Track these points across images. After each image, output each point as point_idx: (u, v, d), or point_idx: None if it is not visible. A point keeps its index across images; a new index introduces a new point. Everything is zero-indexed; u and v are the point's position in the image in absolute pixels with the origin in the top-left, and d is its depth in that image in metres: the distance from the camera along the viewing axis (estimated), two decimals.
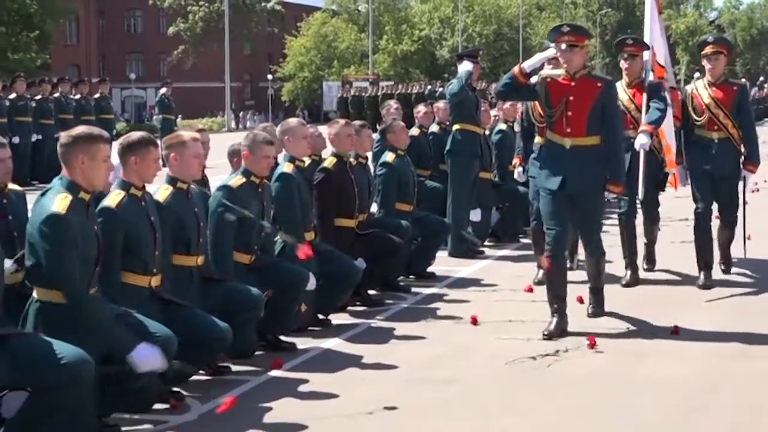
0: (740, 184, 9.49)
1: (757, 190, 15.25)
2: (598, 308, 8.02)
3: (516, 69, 7.74)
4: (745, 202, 9.60)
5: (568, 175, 7.62)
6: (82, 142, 5.40)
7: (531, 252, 10.33)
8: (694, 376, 6.63)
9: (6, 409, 5.03)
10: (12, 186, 6.12)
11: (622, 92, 9.19)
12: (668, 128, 9.35)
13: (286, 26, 74.82)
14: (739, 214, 9.56)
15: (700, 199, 9.39)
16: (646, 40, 9.36)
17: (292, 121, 8.30)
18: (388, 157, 9.87)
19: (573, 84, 7.65)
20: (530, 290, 8.95)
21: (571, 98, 7.62)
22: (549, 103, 7.72)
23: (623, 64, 9.40)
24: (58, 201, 5.27)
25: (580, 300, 8.21)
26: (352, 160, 8.80)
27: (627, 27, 77.70)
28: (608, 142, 7.72)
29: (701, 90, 9.34)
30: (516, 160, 10.43)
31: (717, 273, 9.51)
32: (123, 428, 5.61)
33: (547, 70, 7.96)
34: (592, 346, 7.25)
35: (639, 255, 9.63)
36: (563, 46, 7.61)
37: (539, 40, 77.69)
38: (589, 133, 7.67)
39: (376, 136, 10.71)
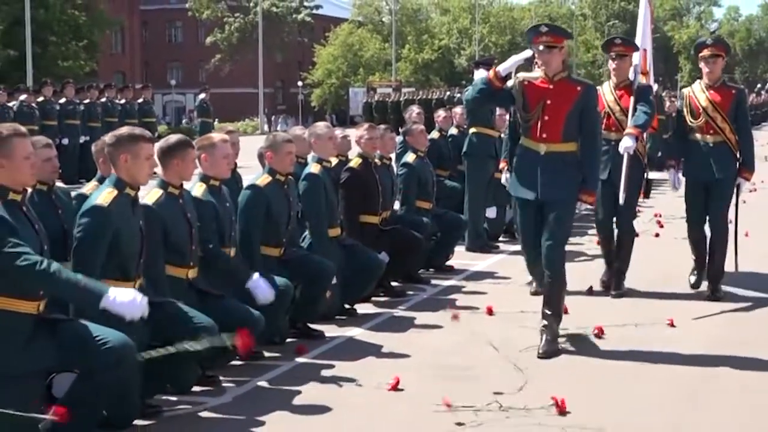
0: (734, 191, 8.68)
1: (755, 190, 15.19)
2: (550, 346, 6.77)
3: (491, 73, 7.00)
4: (737, 209, 8.83)
5: (540, 182, 6.82)
6: (125, 142, 5.43)
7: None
8: (694, 363, 6.61)
9: (56, 389, 5.06)
10: (58, 183, 6.16)
11: (609, 93, 8.55)
12: None
13: (316, 36, 74.84)
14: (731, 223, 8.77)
15: (691, 212, 8.77)
16: (638, 41, 8.78)
17: (320, 124, 8.38)
18: (409, 158, 9.88)
19: (551, 87, 6.83)
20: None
21: (549, 102, 6.80)
22: (526, 107, 6.88)
23: (611, 64, 8.59)
24: (104, 194, 5.32)
25: (589, 291, 8.18)
26: (376, 160, 8.81)
27: (631, 36, 77.25)
28: (584, 149, 6.87)
29: (698, 93, 8.60)
30: (503, 164, 9.32)
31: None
32: (164, 408, 5.64)
33: (524, 73, 7.08)
34: (599, 335, 7.25)
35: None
36: (541, 47, 6.81)
37: None
38: (566, 139, 6.84)
39: (399, 138, 10.71)
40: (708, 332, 7.45)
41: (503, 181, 9.26)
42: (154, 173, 5.64)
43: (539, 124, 6.82)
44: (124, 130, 5.60)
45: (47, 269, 4.58)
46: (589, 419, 5.44)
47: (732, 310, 8.11)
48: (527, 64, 7.28)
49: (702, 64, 8.65)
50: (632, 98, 8.29)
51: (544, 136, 6.82)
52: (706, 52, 8.53)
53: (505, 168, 9.05)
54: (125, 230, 5.33)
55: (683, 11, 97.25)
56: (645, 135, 8.55)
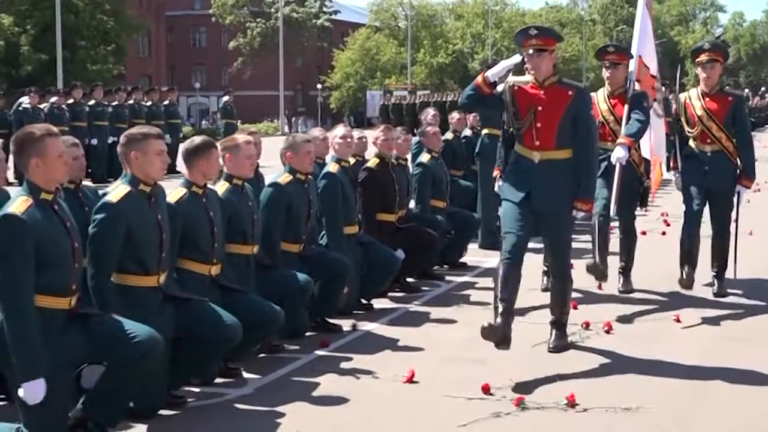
0: (734, 199, 8.32)
1: (759, 190, 15.10)
2: (559, 341, 6.70)
3: (479, 78, 6.49)
4: (737, 218, 8.47)
5: (534, 191, 6.35)
6: (134, 140, 5.42)
7: None
8: (699, 357, 6.59)
9: (86, 381, 5.07)
10: (86, 182, 6.17)
11: (603, 101, 8.12)
12: (659, 140, 8.55)
13: (334, 41, 74.88)
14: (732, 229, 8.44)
15: (689, 207, 8.27)
16: (634, 49, 8.26)
17: (338, 127, 8.40)
18: (424, 158, 9.87)
19: (542, 92, 6.35)
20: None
21: (540, 108, 6.32)
22: (517, 114, 6.38)
23: (605, 73, 8.14)
24: (116, 192, 5.32)
25: (599, 286, 8.15)
26: (393, 161, 8.81)
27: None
28: (579, 155, 6.38)
29: (694, 100, 8.11)
30: (496, 172, 8.50)
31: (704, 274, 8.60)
32: (188, 399, 5.65)
33: (514, 77, 6.56)
34: (608, 330, 7.23)
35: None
36: (530, 50, 6.31)
37: (561, 54, 77.43)
38: (559, 146, 6.36)
39: (414, 139, 10.71)
40: (713, 328, 7.41)
41: (496, 188, 8.77)
42: (178, 172, 5.65)
43: (532, 131, 6.36)
44: (133, 129, 5.61)
45: (20, 306, 4.54)
46: (599, 412, 5.44)
47: (737, 305, 8.07)
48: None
49: (699, 70, 8.10)
50: (626, 107, 7.86)
51: (538, 143, 6.37)
52: (703, 58, 8.02)
53: (498, 176, 8.20)
54: (140, 225, 5.30)
55: (689, 17, 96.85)
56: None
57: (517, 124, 6.41)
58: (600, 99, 8.12)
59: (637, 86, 8.14)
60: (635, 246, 8.63)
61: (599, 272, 7.95)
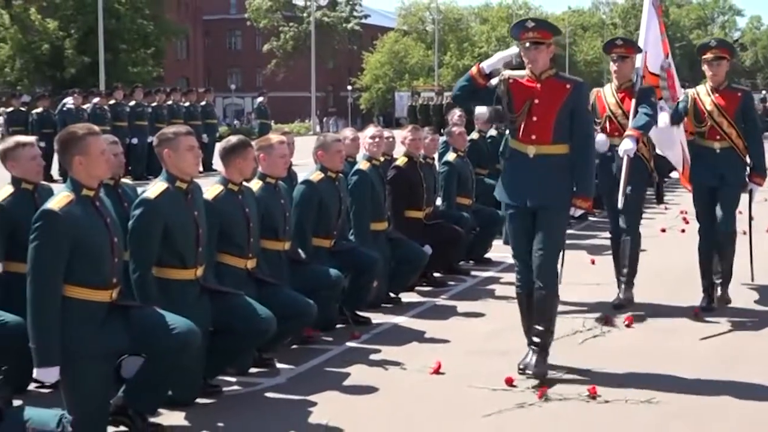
0: (746, 197, 7.82)
1: None
2: (539, 367, 5.82)
3: (474, 69, 6.11)
4: (751, 218, 8.05)
5: (530, 187, 5.90)
6: (165, 139, 5.44)
7: (575, 241, 10.23)
8: (715, 349, 6.54)
9: (126, 370, 5.10)
10: (124, 180, 6.20)
11: (610, 95, 7.67)
12: (680, 140, 7.90)
13: (364, 44, 74.86)
14: (743, 229, 8.00)
15: (702, 218, 7.79)
16: (641, 44, 7.82)
17: (369, 127, 8.44)
18: (450, 157, 9.85)
19: (538, 86, 5.92)
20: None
21: (536, 101, 5.89)
22: (511, 108, 5.96)
23: (612, 66, 7.67)
24: (154, 188, 5.34)
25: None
26: (420, 159, 8.79)
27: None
28: (577, 150, 5.93)
29: (703, 96, 7.63)
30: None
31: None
32: (224, 389, 5.67)
33: (510, 71, 6.13)
34: (629, 325, 7.18)
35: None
36: (527, 43, 5.91)
37: (584, 57, 77.09)
38: (556, 141, 5.89)
39: (441, 139, 10.70)
40: (732, 321, 7.33)
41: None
42: (214, 170, 5.66)
43: (528, 125, 5.91)
44: (165, 129, 5.62)
45: (44, 295, 4.58)
46: (619, 404, 5.41)
47: (757, 301, 7.99)
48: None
49: (705, 67, 7.63)
50: (633, 101, 7.44)
51: (533, 137, 5.91)
52: (709, 55, 7.58)
53: None
54: (176, 221, 5.32)
55: (708, 20, 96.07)
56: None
57: (511, 117, 5.97)
58: (607, 93, 7.72)
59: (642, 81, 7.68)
60: (638, 249, 7.84)
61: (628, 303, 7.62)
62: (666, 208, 13.96)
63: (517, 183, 5.98)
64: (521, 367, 5.90)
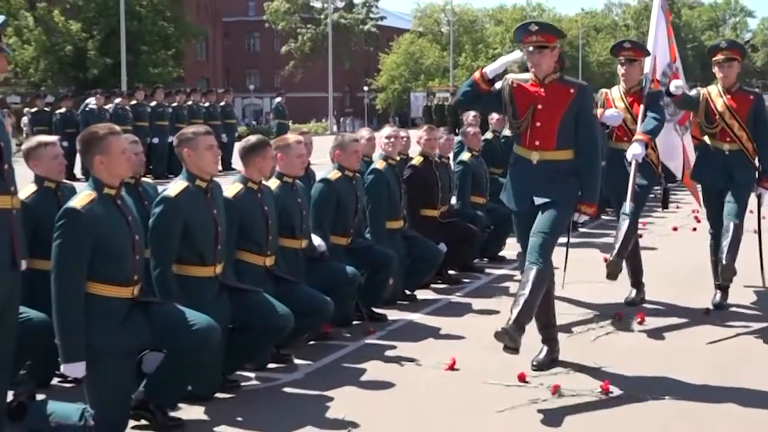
0: (755, 201, 7.51)
1: None
2: (508, 333, 5.33)
3: (477, 74, 5.85)
4: (759, 223, 7.70)
5: (534, 194, 5.72)
6: (185, 139, 5.45)
7: (586, 239, 10.19)
8: (724, 349, 6.52)
9: (147, 366, 5.12)
10: (144, 178, 6.21)
11: (619, 99, 7.44)
12: (688, 144, 7.80)
13: (380, 45, 74.81)
14: (753, 228, 7.79)
15: (712, 221, 7.61)
16: (649, 47, 7.62)
17: (385, 127, 8.45)
18: (465, 156, 9.86)
19: (542, 90, 5.72)
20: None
21: (540, 106, 5.68)
22: (515, 113, 5.78)
23: (620, 70, 7.40)
24: (174, 187, 5.35)
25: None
26: (436, 159, 8.79)
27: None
28: (581, 156, 5.71)
29: (715, 97, 7.39)
30: None
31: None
32: (243, 384, 5.67)
33: (513, 75, 5.95)
34: (641, 322, 7.16)
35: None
36: (531, 47, 5.68)
37: (596, 58, 76.83)
38: (560, 146, 5.70)
39: (456, 139, 10.69)
40: (742, 319, 7.29)
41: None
42: (233, 169, 5.66)
43: (531, 131, 5.72)
44: (184, 129, 5.63)
45: (68, 292, 4.60)
46: (634, 401, 5.39)
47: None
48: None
49: (716, 69, 7.40)
50: (642, 105, 7.21)
51: (537, 143, 5.72)
52: (720, 57, 7.35)
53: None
54: (196, 219, 5.32)
55: (720, 22, 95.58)
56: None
57: (515, 123, 5.81)
58: (615, 97, 7.49)
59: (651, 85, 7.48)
60: (638, 247, 7.70)
61: (614, 268, 7.03)
62: (678, 207, 13.91)
63: (522, 189, 5.80)
64: (534, 364, 5.87)
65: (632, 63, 7.35)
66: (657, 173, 7.55)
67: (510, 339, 5.31)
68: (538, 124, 5.70)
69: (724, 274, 7.16)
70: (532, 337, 6.14)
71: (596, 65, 77.46)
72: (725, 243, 7.17)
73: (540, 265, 5.53)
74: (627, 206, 7.12)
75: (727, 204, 7.35)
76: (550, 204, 5.67)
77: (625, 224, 7.22)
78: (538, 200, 5.72)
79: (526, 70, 5.93)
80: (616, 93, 7.51)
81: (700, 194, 8.09)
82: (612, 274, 6.95)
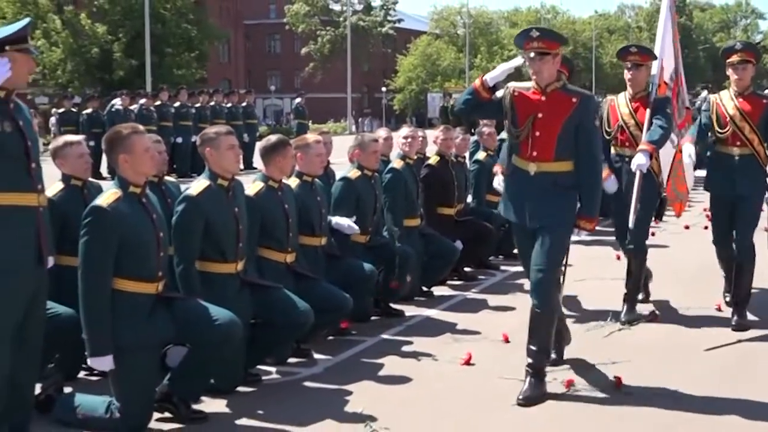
0: (763, 207, 7.20)
1: None
2: (533, 391, 5.26)
3: (477, 82, 5.54)
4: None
5: (529, 207, 5.37)
6: (207, 139, 5.46)
7: (601, 237, 10.15)
8: (739, 344, 6.49)
9: (171, 360, 5.14)
10: (167, 177, 6.23)
11: (624, 105, 7.06)
12: (668, 151, 7.12)
13: (398, 47, 74.76)
14: (761, 242, 7.46)
15: (716, 233, 7.30)
16: (657, 50, 7.17)
17: (403, 128, 8.44)
18: (480, 156, 9.86)
19: (543, 99, 5.36)
20: None
21: (540, 116, 5.32)
22: (515, 122, 5.41)
23: (626, 75, 7.05)
24: (196, 186, 5.36)
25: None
26: (452, 158, 8.77)
27: (685, 47, 75.90)
28: (581, 169, 5.35)
29: (726, 100, 7.09)
30: (497, 168, 9.00)
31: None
32: (264, 378, 5.68)
33: (515, 83, 5.60)
34: (654, 319, 7.12)
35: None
36: (532, 54, 5.34)
37: (609, 59, 76.50)
38: (559, 158, 5.32)
39: (472, 139, 10.67)
40: (753, 316, 7.24)
41: (495, 184, 9.11)
42: (254, 168, 5.67)
43: (529, 140, 5.36)
44: (207, 129, 5.64)
45: (95, 288, 4.62)
46: (644, 395, 5.37)
47: None
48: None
49: (730, 71, 7.08)
50: (648, 111, 6.83)
51: (535, 154, 5.35)
52: (734, 58, 7.02)
53: (499, 171, 8.80)
54: (218, 217, 5.33)
55: (731, 23, 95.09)
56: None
57: (515, 132, 5.43)
58: (620, 102, 7.13)
59: (660, 91, 7.05)
60: (644, 268, 7.36)
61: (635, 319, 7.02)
62: (689, 206, 13.82)
63: (518, 201, 5.46)
64: (521, 398, 5.26)
65: (638, 68, 7.00)
66: (657, 183, 7.09)
67: (535, 400, 5.24)
68: (538, 133, 5.34)
69: (736, 329, 6.88)
70: None
71: (609, 66, 77.10)
72: (737, 290, 7.07)
73: (540, 309, 5.36)
74: (631, 220, 6.71)
75: (737, 224, 7.06)
76: (547, 230, 5.31)
77: (634, 265, 7.09)
78: (532, 223, 5.37)
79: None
80: (622, 99, 7.17)
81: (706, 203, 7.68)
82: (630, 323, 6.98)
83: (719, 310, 7.39)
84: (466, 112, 5.75)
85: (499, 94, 5.52)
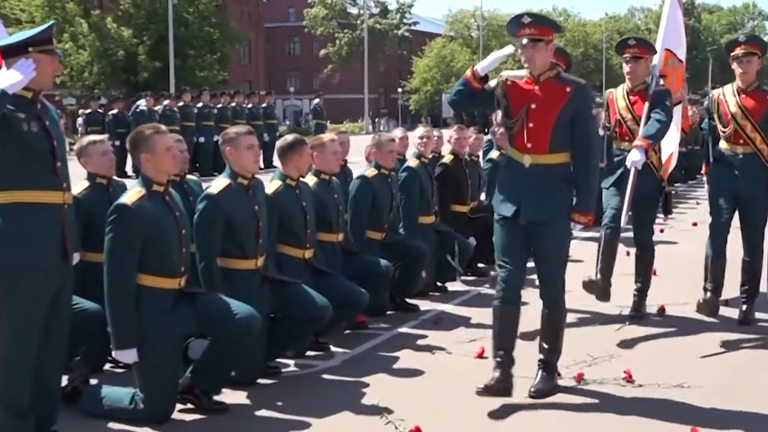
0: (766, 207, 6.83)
1: None
2: (545, 384, 5.24)
3: (468, 72, 5.19)
4: None
5: (523, 201, 5.04)
6: (228, 139, 5.46)
7: None
8: (746, 338, 6.45)
9: (193, 352, 5.15)
10: (189, 176, 6.24)
11: (621, 99, 6.77)
12: (672, 139, 6.91)
13: (413, 49, 74.68)
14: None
15: (715, 218, 6.84)
16: (659, 44, 6.90)
17: (419, 127, 8.42)
18: (493, 154, 9.84)
19: (537, 88, 5.05)
20: None
21: (533, 106, 5.01)
22: (508, 112, 5.11)
23: (625, 68, 6.75)
24: (216, 185, 5.36)
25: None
26: (466, 157, 8.76)
27: (693, 49, 75.47)
28: (577, 160, 5.05)
29: (728, 97, 6.69)
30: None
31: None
32: (283, 370, 5.68)
33: (508, 71, 5.30)
34: (662, 313, 7.08)
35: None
36: (524, 41, 5.02)
37: (619, 61, 76.36)
38: (553, 150, 5.01)
39: (485, 138, 10.65)
40: (760, 311, 7.20)
41: None
42: (275, 167, 5.66)
43: (524, 131, 5.04)
44: (228, 129, 5.64)
45: (120, 284, 4.63)
46: (653, 388, 5.35)
47: None
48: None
49: (735, 65, 6.65)
50: (646, 104, 6.55)
51: (529, 145, 5.03)
52: (738, 51, 6.60)
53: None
54: (238, 215, 5.33)
55: (738, 25, 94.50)
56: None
57: (508, 123, 5.13)
58: (618, 96, 6.83)
59: (661, 82, 6.79)
60: (652, 264, 7.18)
61: (598, 290, 6.70)
62: (697, 203, 13.75)
63: (511, 194, 5.10)
64: (480, 388, 5.09)
65: (637, 61, 6.69)
66: (658, 178, 6.86)
67: (546, 393, 5.23)
68: (531, 124, 5.01)
69: (743, 325, 6.77)
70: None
71: (619, 67, 76.45)
72: (746, 285, 6.91)
73: (549, 309, 5.31)
74: (624, 219, 6.52)
75: (744, 226, 6.85)
76: (546, 230, 5.06)
77: (606, 239, 6.76)
78: (526, 217, 5.05)
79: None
80: (620, 92, 6.87)
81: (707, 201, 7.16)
82: (602, 296, 6.72)
83: (726, 305, 7.33)
84: (458, 103, 5.39)
85: (492, 83, 5.20)
